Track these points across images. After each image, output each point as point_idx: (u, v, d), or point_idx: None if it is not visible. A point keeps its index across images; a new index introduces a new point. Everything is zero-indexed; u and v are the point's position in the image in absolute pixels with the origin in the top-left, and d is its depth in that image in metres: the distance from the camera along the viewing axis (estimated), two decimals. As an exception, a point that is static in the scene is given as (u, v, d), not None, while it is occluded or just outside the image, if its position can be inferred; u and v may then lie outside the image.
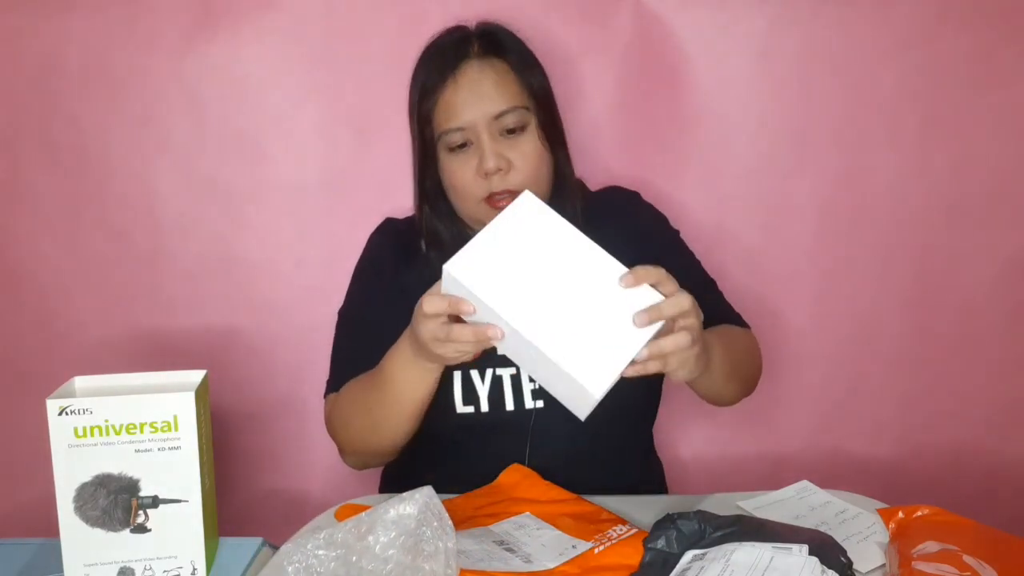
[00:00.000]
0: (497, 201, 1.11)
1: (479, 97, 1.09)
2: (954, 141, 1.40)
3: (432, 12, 1.34)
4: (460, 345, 0.89)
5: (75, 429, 0.86)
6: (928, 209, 1.42)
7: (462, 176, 1.11)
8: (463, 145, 1.10)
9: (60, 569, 0.88)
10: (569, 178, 1.19)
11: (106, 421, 0.86)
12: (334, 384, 1.17)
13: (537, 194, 1.11)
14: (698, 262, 1.24)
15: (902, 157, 1.40)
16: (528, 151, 1.11)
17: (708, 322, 1.09)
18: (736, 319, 1.20)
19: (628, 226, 1.20)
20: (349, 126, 1.39)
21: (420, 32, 1.34)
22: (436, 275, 0.89)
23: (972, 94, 1.38)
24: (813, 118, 1.40)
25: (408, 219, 1.27)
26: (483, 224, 1.12)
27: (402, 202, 1.32)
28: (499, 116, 1.09)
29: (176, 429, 0.87)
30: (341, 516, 0.96)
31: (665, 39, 1.37)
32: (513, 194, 1.09)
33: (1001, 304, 1.45)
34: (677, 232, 1.25)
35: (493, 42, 1.13)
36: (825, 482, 1.06)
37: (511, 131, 1.10)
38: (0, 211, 1.39)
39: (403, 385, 1.02)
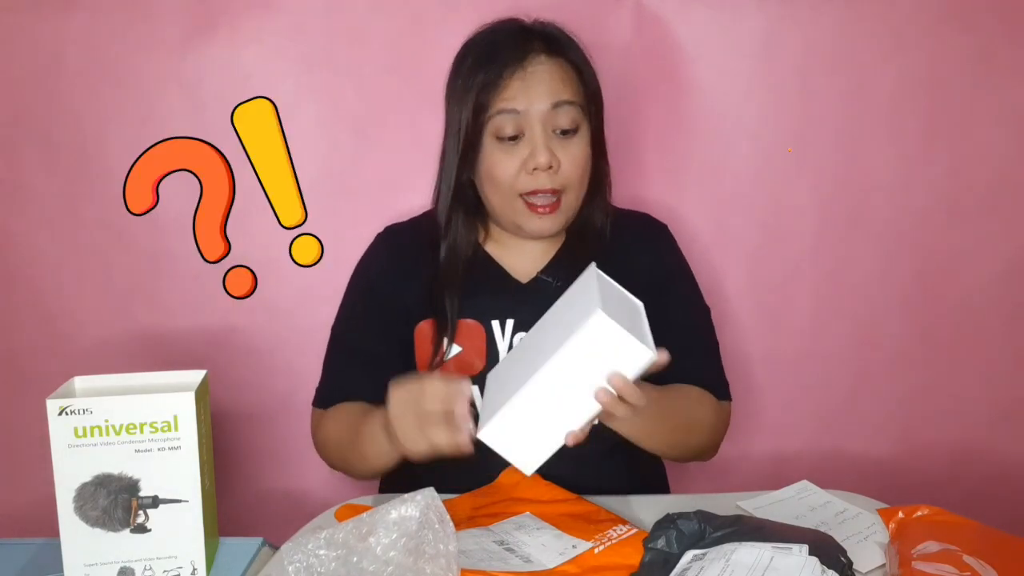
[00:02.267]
0: (535, 205, 1.10)
1: (543, 86, 1.08)
2: (954, 141, 1.39)
3: (432, 12, 1.34)
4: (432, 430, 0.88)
5: (75, 429, 0.86)
6: (928, 209, 1.42)
7: (505, 168, 1.09)
8: (514, 137, 1.09)
9: (60, 569, 0.88)
10: (606, 189, 1.19)
11: (106, 421, 0.86)
12: (321, 398, 1.19)
13: (576, 199, 1.14)
14: (703, 315, 1.23)
15: (902, 157, 1.40)
16: (577, 154, 1.10)
17: (681, 379, 1.10)
18: (715, 387, 1.17)
19: (651, 260, 1.21)
20: (349, 126, 1.39)
21: (420, 32, 1.34)
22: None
23: (972, 94, 1.38)
24: (813, 118, 1.39)
25: (412, 221, 1.26)
26: (511, 221, 1.14)
27: (402, 202, 1.32)
28: (558, 106, 1.08)
29: (176, 429, 0.88)
30: (341, 516, 0.96)
31: (665, 39, 1.37)
32: (555, 193, 1.10)
33: (1001, 304, 1.45)
34: (693, 280, 1.24)
35: (556, 41, 1.12)
36: (825, 482, 1.06)
37: (564, 132, 1.10)
38: (0, 211, 1.39)
39: (374, 460, 1.03)
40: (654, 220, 1.27)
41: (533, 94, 1.07)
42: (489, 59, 1.09)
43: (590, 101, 1.12)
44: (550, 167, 1.08)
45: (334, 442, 1.13)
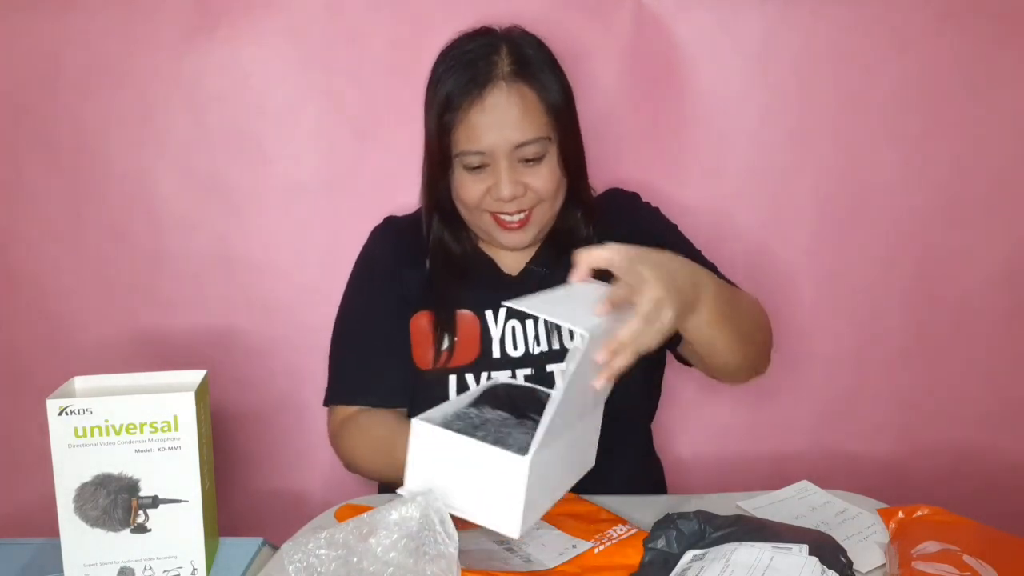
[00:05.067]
0: (506, 223, 1.12)
1: (503, 124, 1.07)
2: (954, 141, 1.39)
3: (432, 12, 1.34)
4: None
5: (75, 429, 0.86)
6: (928, 208, 1.42)
7: (471, 193, 1.10)
8: (480, 166, 1.09)
9: (60, 569, 0.88)
10: (583, 196, 1.19)
11: (106, 421, 0.86)
12: (335, 395, 1.17)
13: (549, 214, 1.14)
14: (698, 251, 1.23)
15: (902, 157, 1.40)
16: (545, 175, 1.10)
17: None
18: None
19: (631, 228, 1.20)
20: (349, 126, 1.39)
21: (420, 32, 1.34)
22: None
23: (972, 94, 1.38)
24: (813, 118, 1.40)
25: (410, 216, 1.26)
26: (487, 234, 1.14)
27: (402, 202, 1.32)
28: (520, 146, 1.08)
29: (176, 429, 0.88)
30: (341, 516, 0.96)
31: (665, 39, 1.37)
32: (525, 218, 1.11)
33: (1001, 304, 1.45)
34: (675, 225, 1.25)
35: (523, 62, 1.09)
36: (825, 482, 1.06)
37: (529, 160, 1.09)
38: (0, 211, 1.39)
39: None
40: (622, 192, 1.28)
41: (494, 134, 1.07)
42: (452, 80, 1.08)
43: (557, 119, 1.11)
44: (515, 197, 1.09)
45: (363, 456, 1.11)
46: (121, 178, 1.39)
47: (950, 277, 1.44)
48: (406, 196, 1.32)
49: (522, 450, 0.78)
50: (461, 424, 0.85)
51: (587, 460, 0.94)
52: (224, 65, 1.36)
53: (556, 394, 0.77)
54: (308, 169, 1.40)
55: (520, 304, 0.79)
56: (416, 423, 0.81)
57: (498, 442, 0.81)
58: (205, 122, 1.38)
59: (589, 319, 0.79)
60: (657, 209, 1.26)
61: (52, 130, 1.37)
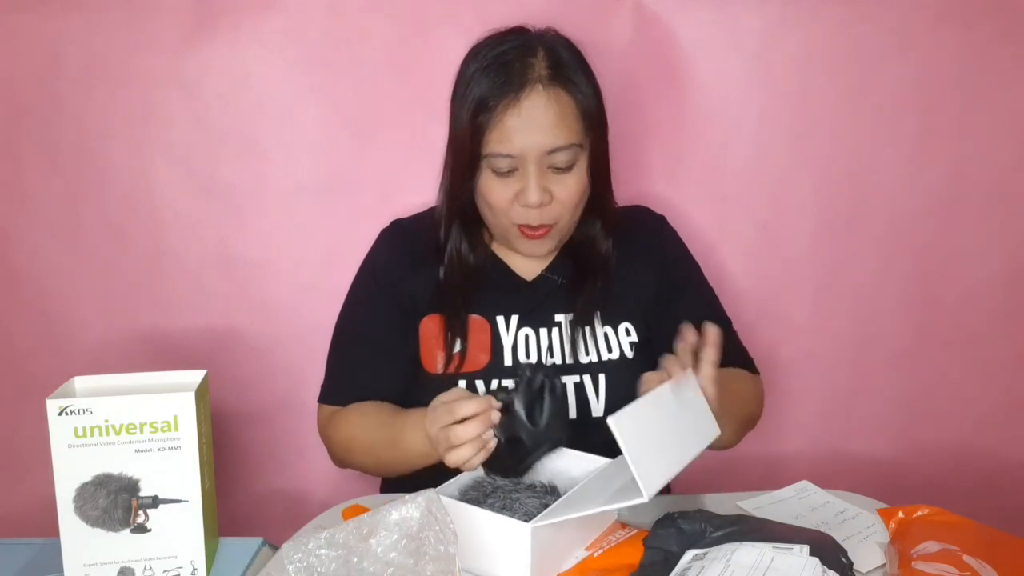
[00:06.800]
0: (529, 232, 1.11)
1: (537, 128, 1.04)
2: (953, 141, 1.40)
3: (432, 13, 1.34)
4: (461, 448, 0.90)
5: (75, 429, 0.86)
6: (927, 208, 1.42)
7: (499, 197, 1.09)
8: (509, 171, 1.07)
9: (60, 569, 0.88)
10: (606, 207, 1.18)
11: (106, 421, 0.86)
12: (330, 395, 1.18)
13: (570, 223, 1.14)
14: (716, 299, 1.24)
15: (901, 157, 1.40)
16: (572, 185, 1.09)
17: (722, 362, 1.09)
18: (748, 363, 1.21)
19: (652, 252, 1.22)
20: (349, 126, 1.39)
21: (420, 33, 1.34)
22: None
23: (971, 94, 1.38)
24: (812, 118, 1.40)
25: (416, 217, 1.26)
26: (508, 241, 1.15)
27: (402, 202, 1.32)
28: (553, 152, 1.06)
29: (176, 429, 0.88)
30: (348, 517, 0.97)
31: (665, 39, 1.37)
32: (548, 227, 1.11)
33: (1000, 303, 1.45)
34: (698, 266, 1.25)
35: (560, 65, 1.07)
36: (825, 482, 1.07)
37: (559, 169, 1.08)
38: (0, 211, 1.39)
39: (415, 456, 1.04)
40: (651, 213, 1.27)
41: (528, 137, 1.05)
42: (487, 81, 1.06)
43: (590, 127, 1.09)
44: (542, 204, 1.08)
45: (363, 441, 1.11)
46: (121, 178, 1.38)
47: (950, 277, 1.44)
48: (406, 196, 1.32)
49: (528, 515, 0.85)
50: (475, 494, 0.93)
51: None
52: (224, 65, 1.36)
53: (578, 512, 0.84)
54: (308, 169, 1.40)
55: (615, 426, 0.80)
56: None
57: (505, 508, 0.89)
58: (205, 122, 1.38)
59: (660, 475, 0.83)
60: (682, 240, 1.26)
61: (52, 130, 1.37)
